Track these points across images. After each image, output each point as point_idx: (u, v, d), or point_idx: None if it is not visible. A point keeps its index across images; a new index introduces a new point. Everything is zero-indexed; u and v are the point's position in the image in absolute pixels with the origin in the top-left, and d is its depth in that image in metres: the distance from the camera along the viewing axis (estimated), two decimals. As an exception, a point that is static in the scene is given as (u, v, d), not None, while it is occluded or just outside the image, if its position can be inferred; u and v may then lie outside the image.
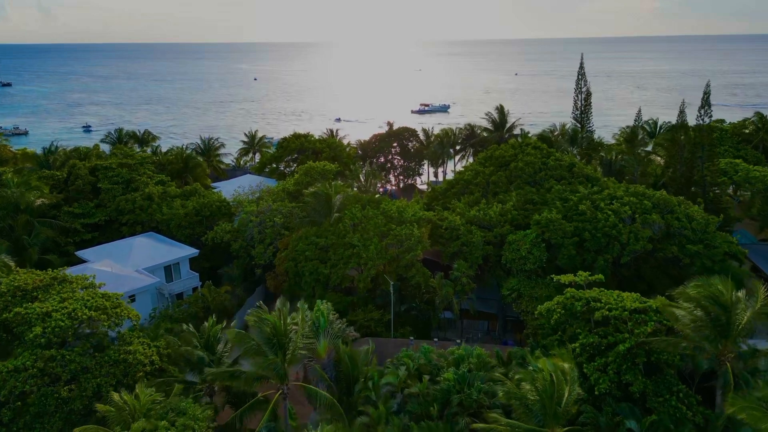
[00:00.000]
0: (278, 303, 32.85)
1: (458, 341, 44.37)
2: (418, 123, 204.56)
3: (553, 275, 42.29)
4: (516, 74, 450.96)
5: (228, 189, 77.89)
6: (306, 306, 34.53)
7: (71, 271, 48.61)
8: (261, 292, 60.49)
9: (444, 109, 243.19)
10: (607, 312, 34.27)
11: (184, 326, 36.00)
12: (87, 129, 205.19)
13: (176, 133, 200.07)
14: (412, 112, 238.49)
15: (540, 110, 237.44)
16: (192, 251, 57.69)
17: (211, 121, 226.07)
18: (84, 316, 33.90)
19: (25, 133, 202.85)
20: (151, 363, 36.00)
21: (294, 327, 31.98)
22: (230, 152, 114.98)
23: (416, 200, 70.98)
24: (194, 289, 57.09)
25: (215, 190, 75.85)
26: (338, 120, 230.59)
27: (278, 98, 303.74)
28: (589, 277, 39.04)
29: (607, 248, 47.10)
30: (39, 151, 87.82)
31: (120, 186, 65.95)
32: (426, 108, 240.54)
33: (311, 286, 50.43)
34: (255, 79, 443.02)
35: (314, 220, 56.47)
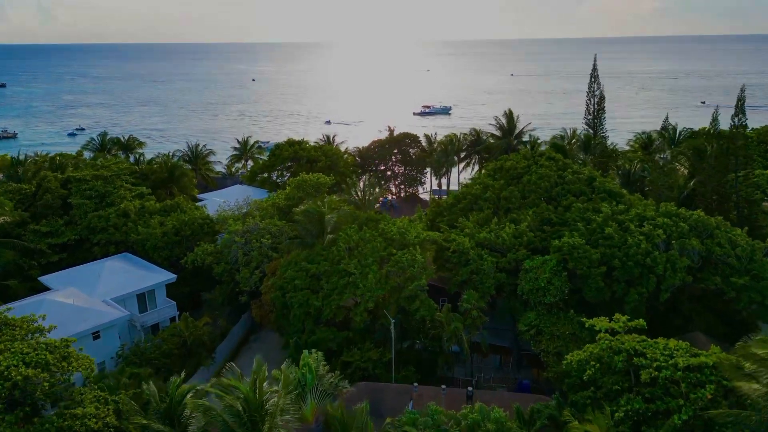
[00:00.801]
0: (254, 364, 26.78)
1: (470, 389, 38.34)
2: (419, 126, 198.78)
3: (584, 320, 35.79)
4: (512, 75, 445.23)
5: (216, 200, 72.02)
6: (292, 368, 28.42)
7: (26, 304, 42.77)
8: (246, 321, 54.58)
9: (446, 111, 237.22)
10: (656, 372, 28.22)
11: (144, 386, 29.93)
12: (72, 133, 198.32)
13: (167, 136, 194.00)
14: (414, 114, 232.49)
15: (542, 112, 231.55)
16: (169, 276, 51.62)
17: (204, 123, 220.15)
18: (18, 377, 27.88)
19: (14, 136, 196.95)
20: (105, 425, 30.01)
21: (274, 392, 26.07)
22: (221, 159, 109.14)
23: (419, 215, 65.11)
24: (172, 320, 51.10)
25: (201, 203, 69.93)
26: (328, 122, 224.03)
27: (275, 100, 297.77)
28: (628, 323, 32.89)
29: (640, 279, 41.00)
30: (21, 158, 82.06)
31: (93, 201, 59.87)
32: (427, 110, 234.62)
33: (301, 320, 44.37)
34: (253, 80, 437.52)
35: (305, 242, 50.47)
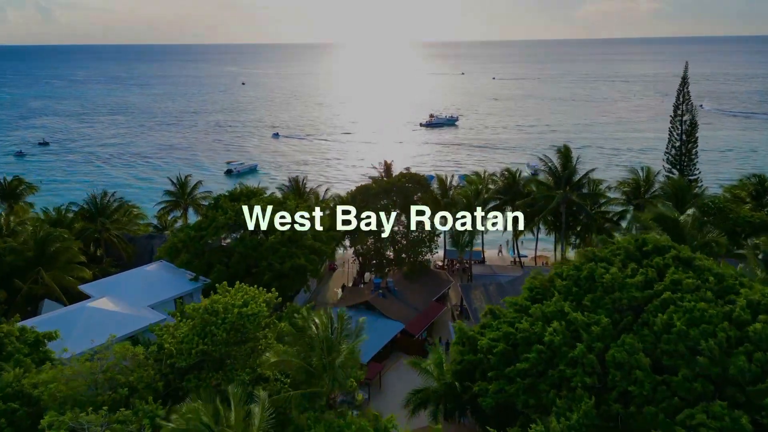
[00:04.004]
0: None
1: None
2: (424, 143, 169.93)
3: None
4: (493, 78, 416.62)
5: (102, 304, 43.59)
6: None
7: None
8: None
9: (452, 122, 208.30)
10: None
11: None
12: (17, 155, 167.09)
13: (118, 154, 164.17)
14: (421, 125, 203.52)
15: (556, 122, 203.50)
16: None
17: (170, 137, 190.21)
18: None
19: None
20: None
21: None
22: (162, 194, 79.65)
23: (436, 359, 36.36)
24: None
25: (71, 311, 41.17)
26: (276, 136, 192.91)
27: (261, 108, 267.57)
28: None
29: None
30: None
31: None
32: (432, 121, 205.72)
33: None
34: (243, 84, 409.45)
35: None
